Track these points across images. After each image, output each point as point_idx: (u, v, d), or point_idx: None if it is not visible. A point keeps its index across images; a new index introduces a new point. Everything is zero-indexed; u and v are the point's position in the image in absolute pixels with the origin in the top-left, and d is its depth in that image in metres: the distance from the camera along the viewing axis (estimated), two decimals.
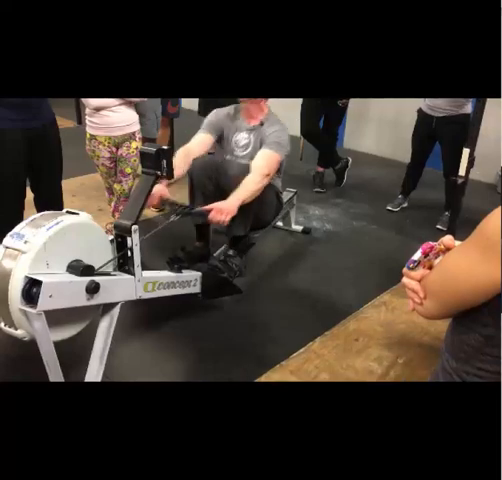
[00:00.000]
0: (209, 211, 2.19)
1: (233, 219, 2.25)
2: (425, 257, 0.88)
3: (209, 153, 2.72)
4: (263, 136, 2.53)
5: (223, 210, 2.18)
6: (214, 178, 2.56)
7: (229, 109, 2.67)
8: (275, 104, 2.70)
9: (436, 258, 0.89)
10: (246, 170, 2.41)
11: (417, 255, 0.88)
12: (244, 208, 2.31)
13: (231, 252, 2.40)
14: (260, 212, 2.43)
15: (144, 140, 3.04)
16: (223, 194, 2.54)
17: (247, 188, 2.32)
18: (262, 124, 2.57)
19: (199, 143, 2.59)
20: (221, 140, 2.68)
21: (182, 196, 2.73)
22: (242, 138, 2.61)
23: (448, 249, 0.88)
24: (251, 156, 2.53)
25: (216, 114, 2.67)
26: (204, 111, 4.04)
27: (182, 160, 2.46)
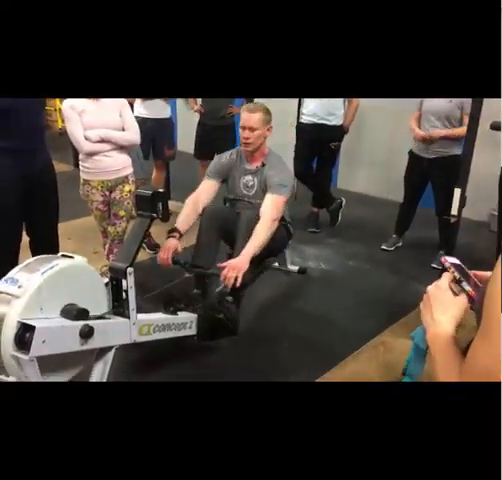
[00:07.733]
0: (222, 269, 2.25)
1: None
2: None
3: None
4: (266, 178, 2.66)
5: (235, 267, 2.25)
6: (223, 228, 2.64)
7: (231, 154, 2.80)
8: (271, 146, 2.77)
9: (462, 282, 0.80)
10: (255, 220, 2.51)
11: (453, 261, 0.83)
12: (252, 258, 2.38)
13: (230, 298, 2.40)
14: (270, 245, 2.51)
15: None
16: (232, 242, 2.62)
17: (258, 239, 2.41)
18: (264, 165, 2.69)
19: (206, 190, 2.76)
20: (226, 182, 2.82)
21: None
22: (248, 180, 2.75)
23: (475, 278, 0.80)
24: (258, 195, 2.68)
25: (219, 161, 2.81)
26: (199, 154, 4.12)
27: (191, 210, 2.64)
